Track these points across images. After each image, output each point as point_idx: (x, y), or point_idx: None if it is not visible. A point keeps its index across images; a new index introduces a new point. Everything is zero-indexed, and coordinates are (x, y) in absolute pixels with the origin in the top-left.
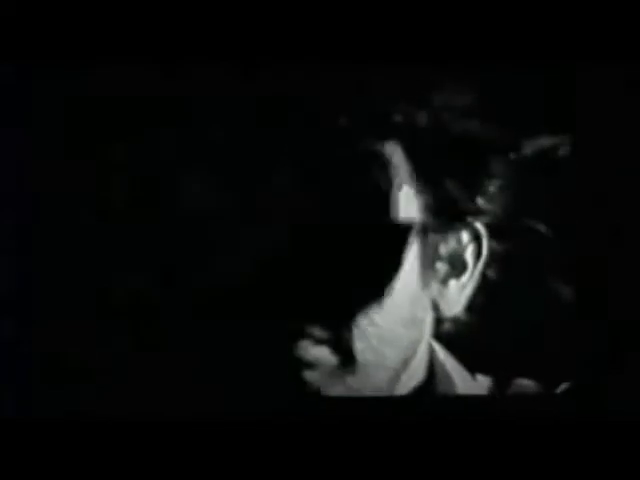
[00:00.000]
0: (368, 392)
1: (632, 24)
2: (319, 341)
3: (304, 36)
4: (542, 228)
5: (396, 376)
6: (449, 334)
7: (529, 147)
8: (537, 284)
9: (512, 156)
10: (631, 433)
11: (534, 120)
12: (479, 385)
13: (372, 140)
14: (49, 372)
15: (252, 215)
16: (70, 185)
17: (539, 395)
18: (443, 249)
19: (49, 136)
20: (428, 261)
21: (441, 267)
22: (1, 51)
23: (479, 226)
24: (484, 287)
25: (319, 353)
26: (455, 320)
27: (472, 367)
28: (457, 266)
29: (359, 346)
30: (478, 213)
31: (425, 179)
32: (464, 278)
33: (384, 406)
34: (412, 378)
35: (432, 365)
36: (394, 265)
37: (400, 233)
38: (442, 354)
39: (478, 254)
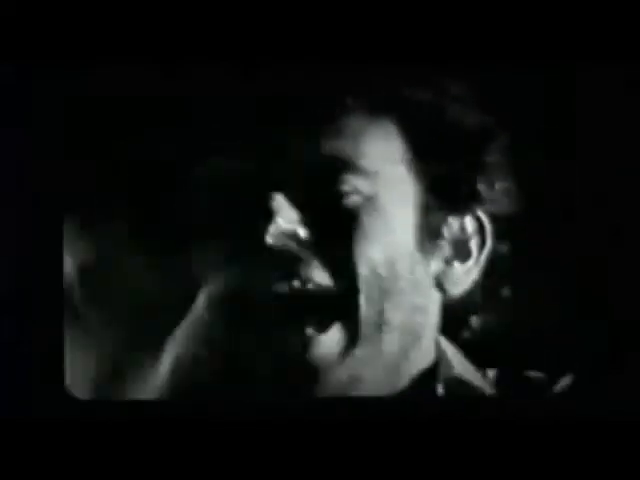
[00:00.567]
0: (377, 362)
1: (632, 24)
2: (323, 298)
3: (304, 36)
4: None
5: (404, 349)
6: (463, 338)
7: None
8: (537, 284)
9: (508, 144)
10: (631, 433)
11: (534, 120)
12: (486, 377)
13: (367, 115)
14: (49, 372)
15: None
16: (70, 185)
17: (539, 395)
18: (446, 231)
19: (49, 136)
20: (427, 237)
21: (444, 247)
22: (1, 51)
23: (483, 216)
24: (489, 285)
25: (324, 345)
26: (468, 325)
27: (480, 364)
28: (461, 252)
29: (363, 300)
30: (478, 197)
31: (424, 161)
32: (469, 263)
33: (383, 406)
34: (421, 362)
35: (439, 359)
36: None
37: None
38: (450, 350)
39: (482, 243)
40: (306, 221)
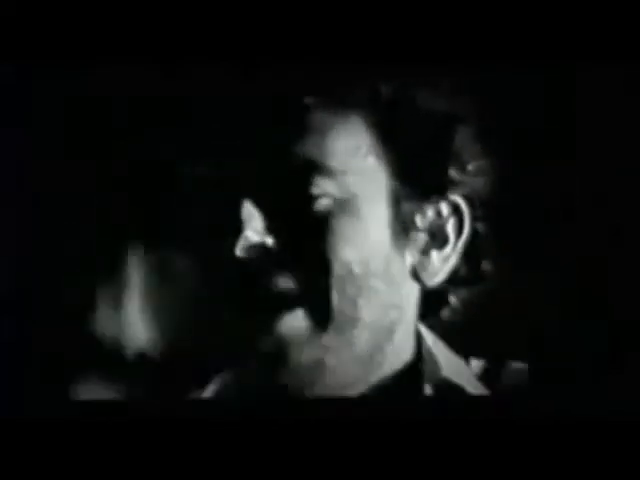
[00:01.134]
0: (346, 354)
1: (632, 24)
2: (291, 297)
3: (304, 36)
4: None
5: (377, 345)
6: (442, 318)
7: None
8: (537, 284)
9: (477, 129)
10: (631, 433)
11: (534, 120)
12: (470, 369)
13: (330, 112)
14: (49, 372)
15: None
16: (70, 185)
17: (539, 395)
18: (420, 220)
19: (49, 136)
20: (401, 228)
21: (420, 237)
22: (1, 51)
23: (459, 199)
24: (483, 284)
25: (292, 322)
26: (447, 302)
27: (467, 354)
28: (437, 238)
29: (335, 294)
30: (451, 184)
31: (393, 150)
32: (447, 250)
33: (370, 406)
34: (397, 356)
35: (419, 348)
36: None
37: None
38: (430, 339)
39: (460, 228)
40: (275, 227)
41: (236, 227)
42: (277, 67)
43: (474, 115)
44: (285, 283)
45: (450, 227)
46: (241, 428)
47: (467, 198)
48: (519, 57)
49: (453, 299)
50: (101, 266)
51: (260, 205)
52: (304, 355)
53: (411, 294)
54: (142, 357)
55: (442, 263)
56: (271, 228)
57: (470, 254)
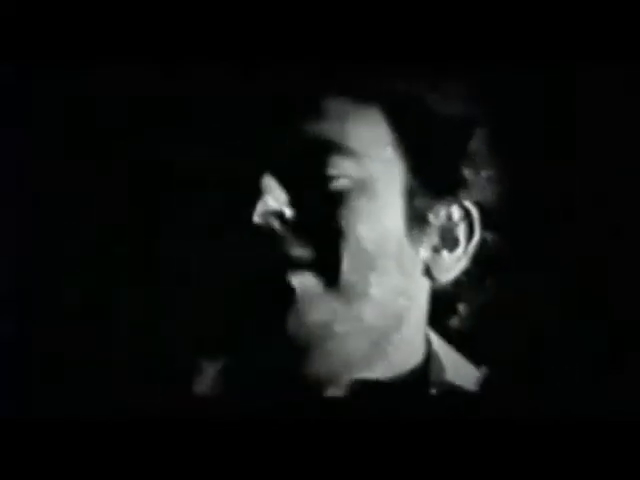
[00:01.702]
0: (354, 326)
1: (632, 24)
2: (302, 263)
3: (304, 36)
4: None
5: (385, 330)
6: (451, 326)
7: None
8: (537, 284)
9: (491, 133)
10: (631, 433)
11: (534, 120)
12: (476, 373)
13: (351, 102)
14: (49, 372)
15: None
16: (70, 185)
17: (539, 395)
18: (433, 218)
19: (49, 136)
20: (416, 221)
21: (432, 235)
22: (1, 51)
23: (470, 205)
24: (484, 288)
25: (302, 279)
26: (455, 311)
27: (474, 357)
28: (448, 240)
29: (346, 265)
30: (463, 184)
31: (409, 145)
32: (458, 252)
33: (383, 404)
34: (406, 356)
35: (428, 352)
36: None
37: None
38: (436, 342)
39: (470, 233)
40: (293, 202)
41: (254, 198)
42: (278, 67)
43: (490, 119)
44: (297, 251)
45: (461, 231)
46: (242, 428)
47: (478, 205)
48: (519, 57)
49: (462, 308)
50: (101, 266)
51: (279, 180)
52: (313, 312)
53: (422, 291)
54: (144, 355)
55: (454, 262)
56: (289, 201)
57: (479, 263)
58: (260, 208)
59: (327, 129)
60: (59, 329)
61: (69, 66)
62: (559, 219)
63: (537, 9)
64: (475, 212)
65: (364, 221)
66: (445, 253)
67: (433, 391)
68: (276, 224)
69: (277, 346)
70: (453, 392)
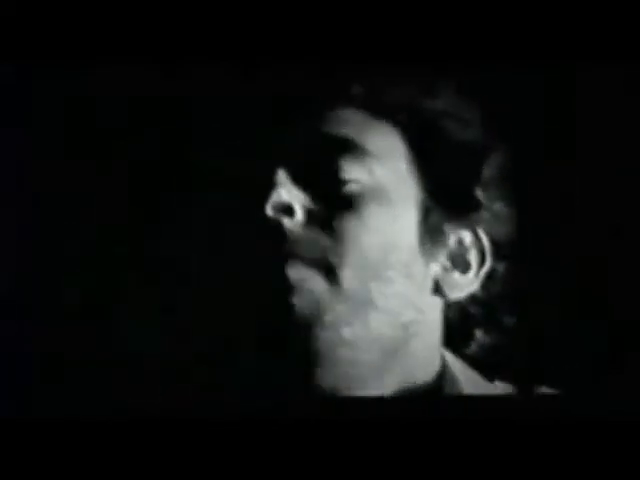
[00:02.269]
0: (362, 333)
1: (632, 24)
2: (307, 263)
3: (304, 36)
4: None
5: (393, 343)
6: (467, 354)
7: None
8: (537, 284)
9: (506, 160)
10: (631, 433)
11: (534, 120)
12: (493, 388)
13: (368, 119)
14: (49, 372)
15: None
16: (70, 185)
17: (538, 395)
18: (445, 238)
19: (49, 136)
20: (429, 235)
21: (443, 254)
22: (1, 51)
23: (481, 233)
24: (491, 304)
25: (306, 275)
26: (473, 338)
27: (488, 373)
28: (459, 263)
29: (346, 273)
30: (476, 207)
31: (424, 164)
32: (470, 275)
33: (388, 406)
34: (417, 369)
35: (443, 370)
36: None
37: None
38: (451, 359)
39: (482, 260)
40: (304, 199)
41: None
42: (278, 67)
43: (508, 143)
44: (301, 251)
45: (472, 256)
46: (242, 428)
47: (490, 235)
48: (519, 57)
49: (479, 334)
50: (101, 266)
51: (293, 179)
52: (320, 311)
53: (434, 307)
54: (145, 356)
55: (465, 284)
56: (301, 199)
57: (491, 296)
58: (274, 199)
59: (344, 132)
60: (59, 329)
61: (69, 66)
62: (559, 219)
63: (537, 9)
64: (486, 241)
65: (370, 229)
66: (456, 274)
67: (443, 407)
68: (286, 220)
69: (284, 356)
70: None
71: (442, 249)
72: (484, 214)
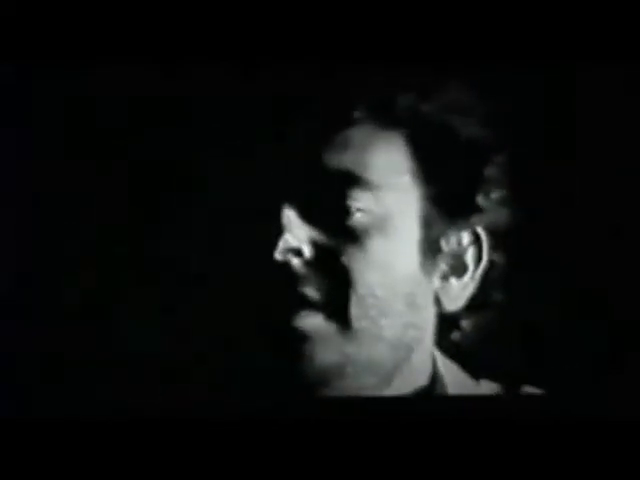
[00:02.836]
0: (365, 365)
1: (632, 24)
2: (314, 304)
3: (304, 36)
4: None
5: (396, 363)
6: (454, 341)
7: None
8: (536, 284)
9: (509, 158)
10: (631, 433)
11: (534, 120)
12: (479, 388)
13: (374, 128)
14: (49, 372)
15: (254, 205)
16: (70, 185)
17: (539, 395)
18: (444, 245)
19: (49, 136)
20: (429, 252)
21: (442, 262)
22: (1, 51)
23: (480, 230)
24: (484, 289)
25: (314, 321)
26: (459, 327)
27: (476, 373)
28: (457, 267)
29: (355, 312)
30: (477, 210)
31: (427, 171)
32: (465, 278)
33: (379, 406)
34: (414, 379)
35: (434, 373)
36: (393, 243)
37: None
38: (441, 360)
39: (478, 258)
40: (312, 236)
41: (275, 232)
42: (278, 67)
43: (508, 145)
44: (309, 291)
45: (470, 256)
46: (242, 428)
47: (488, 228)
48: (519, 57)
49: (464, 323)
50: (101, 266)
51: (299, 213)
52: (324, 355)
53: (430, 318)
54: (145, 357)
55: (461, 290)
56: (308, 237)
57: (485, 282)
58: (281, 246)
59: (347, 160)
60: (59, 329)
61: (69, 66)
62: (559, 219)
63: (537, 9)
64: (484, 236)
65: (377, 265)
66: (453, 280)
67: (440, 406)
68: (295, 261)
69: (284, 356)
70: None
71: (441, 257)
72: (485, 214)
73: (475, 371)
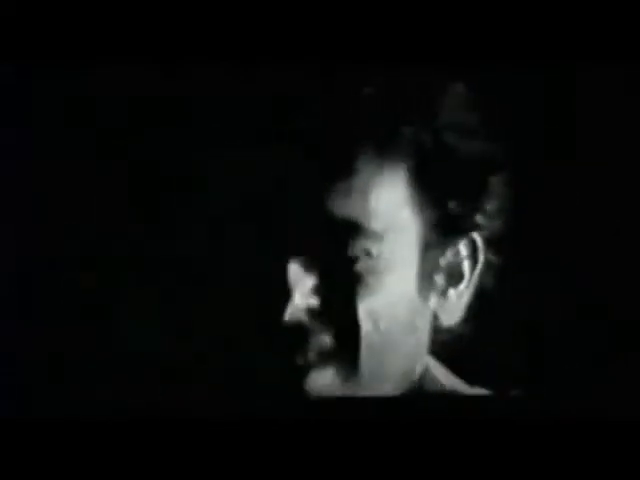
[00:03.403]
0: (369, 386)
1: (632, 24)
2: (328, 352)
3: (304, 36)
4: None
5: (399, 387)
6: (446, 345)
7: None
8: (537, 284)
9: (510, 174)
10: (631, 433)
11: (534, 120)
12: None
13: (375, 159)
14: (49, 372)
15: (252, 216)
16: (70, 185)
17: (539, 395)
18: (442, 262)
19: (49, 136)
20: (427, 274)
21: (440, 279)
22: (1, 51)
23: (476, 236)
24: (481, 288)
25: (325, 380)
26: (452, 330)
27: (470, 377)
28: (454, 275)
29: (364, 356)
30: (476, 229)
31: (427, 197)
32: (462, 286)
33: (376, 406)
34: (403, 379)
35: (423, 378)
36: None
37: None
38: (435, 367)
39: (474, 262)
40: (318, 287)
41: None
42: (278, 67)
43: (508, 162)
44: (321, 342)
45: (465, 262)
46: (242, 428)
47: (484, 237)
48: (519, 57)
49: (458, 330)
50: (101, 266)
51: (304, 265)
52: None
53: (427, 329)
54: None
55: (458, 300)
56: (315, 288)
57: (481, 286)
58: (290, 310)
59: (351, 208)
60: (59, 329)
61: (69, 66)
62: (559, 219)
63: (537, 9)
64: (480, 242)
65: (380, 301)
66: (451, 292)
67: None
68: (303, 316)
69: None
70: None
71: (439, 274)
72: (483, 228)
73: (468, 377)
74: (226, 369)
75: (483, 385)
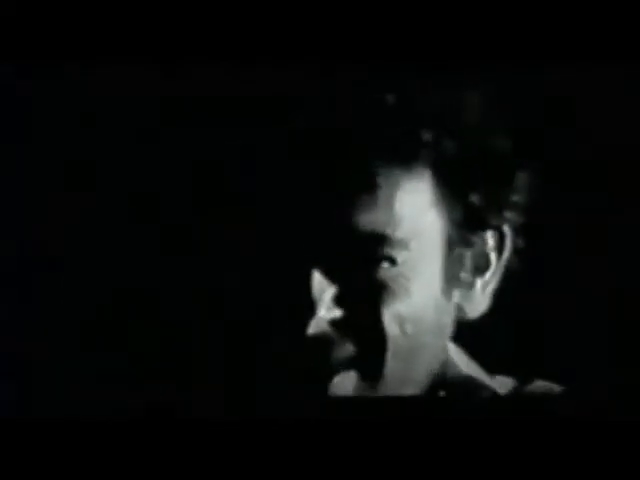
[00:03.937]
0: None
1: (632, 24)
2: (352, 357)
3: (304, 36)
4: None
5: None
6: (465, 336)
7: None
8: (537, 284)
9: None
10: (631, 433)
11: (534, 120)
12: (496, 386)
13: (398, 168)
14: (49, 372)
15: (253, 221)
16: (70, 185)
17: (539, 395)
18: (467, 257)
19: (49, 136)
20: (452, 272)
21: (465, 274)
22: (1, 51)
23: (505, 227)
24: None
25: (344, 380)
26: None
27: (491, 367)
28: (481, 265)
29: (391, 365)
30: (503, 223)
31: (452, 196)
32: (488, 275)
33: (389, 406)
34: (427, 371)
35: (444, 364)
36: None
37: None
38: (455, 354)
39: (500, 249)
40: (341, 296)
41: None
42: (278, 67)
43: (535, 161)
44: (345, 350)
45: (492, 250)
46: (242, 428)
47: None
48: (519, 57)
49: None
50: (101, 266)
51: (328, 276)
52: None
53: (450, 328)
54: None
55: (483, 290)
56: (339, 299)
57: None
58: (315, 323)
59: (375, 219)
60: (59, 329)
61: (69, 66)
62: (559, 219)
63: (537, 9)
64: (507, 230)
65: (406, 305)
66: (477, 282)
67: (442, 393)
68: (327, 328)
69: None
70: (462, 390)
71: (464, 266)
72: (509, 220)
73: (490, 365)
74: (232, 369)
75: (505, 374)
